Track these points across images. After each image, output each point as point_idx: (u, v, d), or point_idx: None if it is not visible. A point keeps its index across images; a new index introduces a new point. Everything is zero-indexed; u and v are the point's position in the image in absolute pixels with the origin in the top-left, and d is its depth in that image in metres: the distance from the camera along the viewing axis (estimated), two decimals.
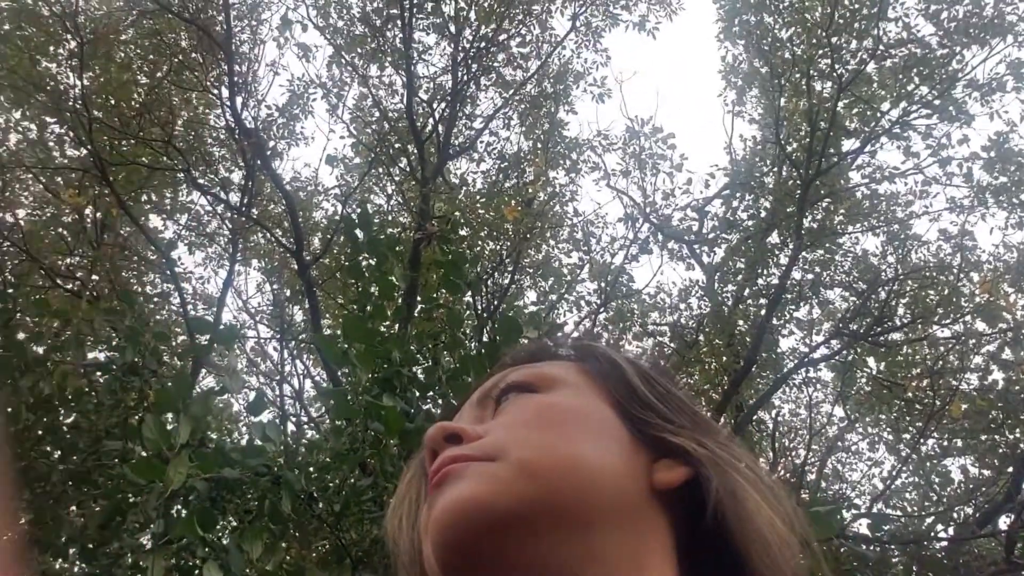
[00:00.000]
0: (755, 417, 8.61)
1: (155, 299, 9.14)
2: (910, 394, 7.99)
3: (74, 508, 2.80)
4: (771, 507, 0.58)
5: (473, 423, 0.63)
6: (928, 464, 8.22)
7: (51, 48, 8.21)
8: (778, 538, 0.56)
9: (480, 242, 7.69)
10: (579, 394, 0.63)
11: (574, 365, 0.68)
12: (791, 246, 7.80)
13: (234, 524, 2.74)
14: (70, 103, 7.90)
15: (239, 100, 8.04)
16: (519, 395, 0.63)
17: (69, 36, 7.92)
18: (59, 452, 2.74)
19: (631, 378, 0.65)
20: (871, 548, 5.84)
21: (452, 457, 0.57)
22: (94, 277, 8.26)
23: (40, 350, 3.10)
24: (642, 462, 0.59)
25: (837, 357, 8.24)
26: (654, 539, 0.57)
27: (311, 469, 2.81)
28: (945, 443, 8.23)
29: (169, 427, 2.28)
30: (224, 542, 2.47)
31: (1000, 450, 7.71)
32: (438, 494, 0.55)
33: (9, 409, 2.69)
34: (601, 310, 8.47)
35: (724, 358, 8.04)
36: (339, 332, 2.95)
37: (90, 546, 2.56)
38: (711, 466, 0.58)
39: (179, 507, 2.49)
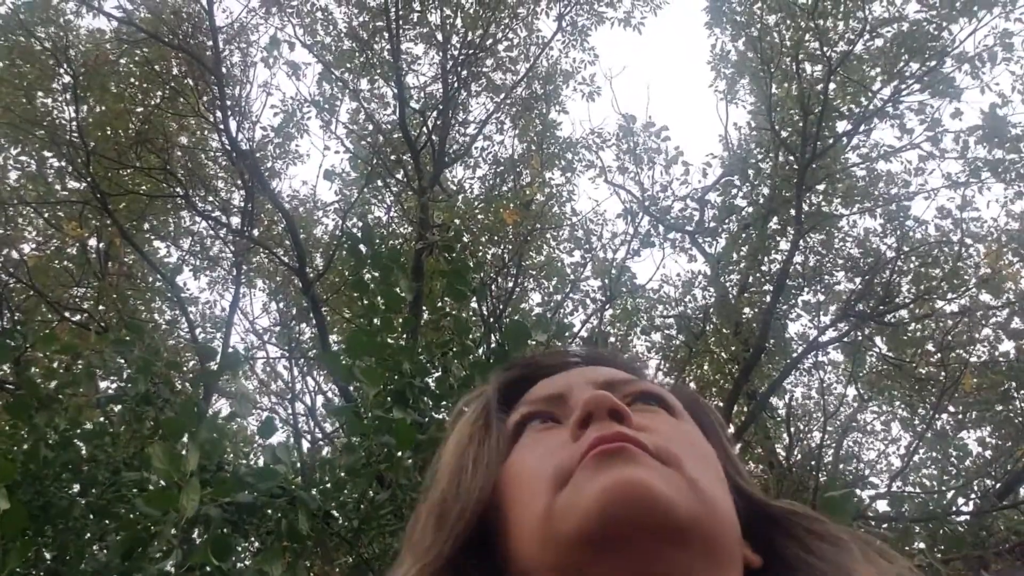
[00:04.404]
0: (768, 403, 8.61)
1: (164, 325, 9.19)
2: (921, 371, 7.98)
3: (93, 540, 2.82)
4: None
5: None
6: (944, 439, 8.21)
7: (46, 83, 8.27)
8: None
9: (481, 247, 7.71)
10: (702, 438, 0.65)
11: (678, 400, 0.68)
12: (791, 231, 7.80)
13: (256, 546, 2.75)
14: (67, 136, 7.96)
15: (233, 123, 8.09)
16: (657, 408, 0.64)
17: (63, 70, 7.98)
18: (78, 486, 2.77)
19: (725, 442, 0.68)
20: (891, 525, 5.83)
21: (626, 436, 0.57)
22: (101, 307, 8.30)
23: (52, 385, 3.12)
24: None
25: (845, 339, 8.23)
26: None
27: (327, 486, 2.82)
28: (960, 416, 8.21)
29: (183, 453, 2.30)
30: (247, 563, 2.48)
31: (1017, 420, 7.70)
32: (612, 465, 0.55)
33: (27, 447, 2.72)
34: (607, 307, 8.47)
35: (732, 347, 8.03)
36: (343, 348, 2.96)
37: None
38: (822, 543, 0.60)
39: (199, 532, 2.51)
